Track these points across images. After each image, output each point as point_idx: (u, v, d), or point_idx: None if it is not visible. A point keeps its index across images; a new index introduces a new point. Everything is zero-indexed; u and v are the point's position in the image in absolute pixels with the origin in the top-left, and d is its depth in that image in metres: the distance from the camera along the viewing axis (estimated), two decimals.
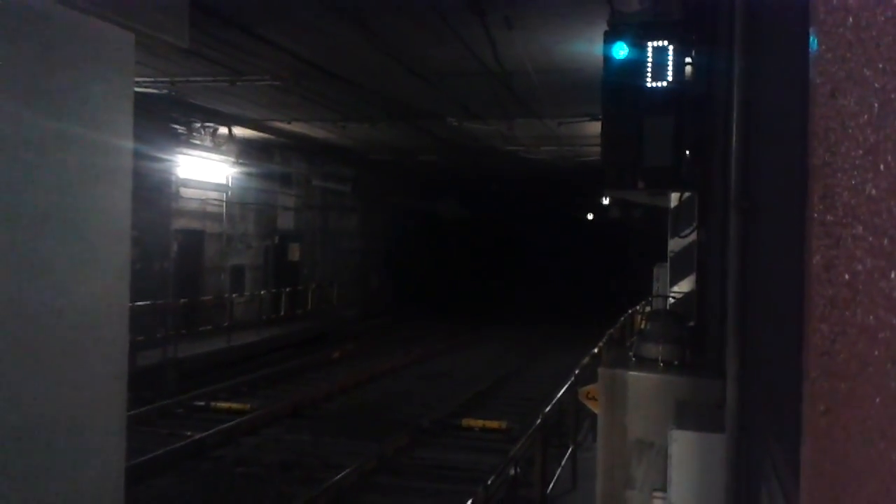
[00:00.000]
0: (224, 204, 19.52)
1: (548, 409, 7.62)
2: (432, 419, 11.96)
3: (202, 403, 12.95)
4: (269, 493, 8.73)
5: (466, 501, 5.35)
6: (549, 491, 7.55)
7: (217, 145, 18.24)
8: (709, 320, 6.03)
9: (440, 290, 34.50)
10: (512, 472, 6.74)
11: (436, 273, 34.86)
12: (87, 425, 6.07)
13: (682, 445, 3.84)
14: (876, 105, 0.88)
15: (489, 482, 5.36)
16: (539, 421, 6.86)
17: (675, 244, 8.54)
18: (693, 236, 7.66)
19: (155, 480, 8.97)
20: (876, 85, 0.89)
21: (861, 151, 0.94)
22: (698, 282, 7.58)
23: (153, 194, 15.78)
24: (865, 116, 0.93)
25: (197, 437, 10.46)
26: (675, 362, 4.95)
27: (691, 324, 6.95)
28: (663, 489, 4.10)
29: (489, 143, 20.49)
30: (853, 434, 0.84)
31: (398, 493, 8.93)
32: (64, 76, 5.76)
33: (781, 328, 2.19)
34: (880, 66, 0.88)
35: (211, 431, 10.73)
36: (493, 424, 11.73)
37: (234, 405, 12.81)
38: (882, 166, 0.84)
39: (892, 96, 0.83)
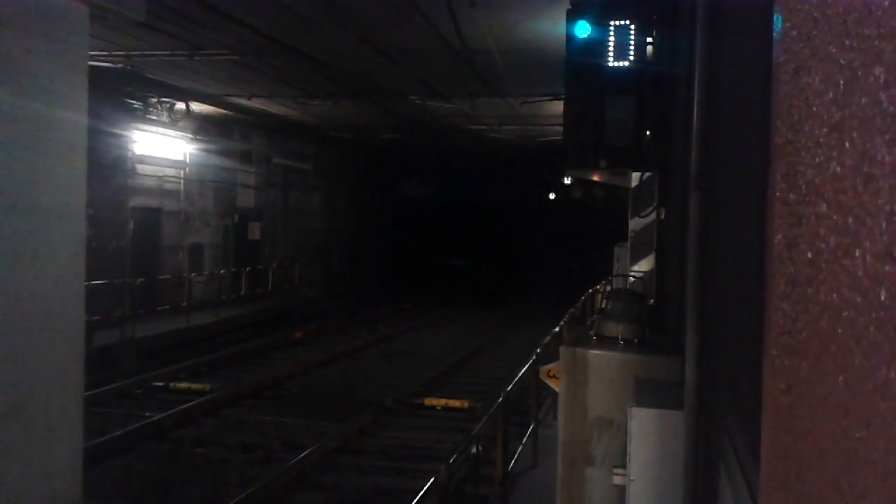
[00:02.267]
0: (182, 181, 19.21)
1: (509, 387, 7.67)
2: (395, 399, 11.97)
3: (161, 384, 12.79)
4: (229, 474, 8.67)
5: (429, 479, 5.37)
6: (510, 468, 7.62)
7: (174, 121, 17.91)
8: (668, 299, 6.10)
9: (404, 269, 34.45)
10: (474, 450, 6.78)
11: (399, 252, 34.80)
12: (43, 406, 5.97)
13: (642, 422, 3.88)
14: (841, 82, 0.88)
15: (451, 460, 5.38)
16: (501, 400, 6.90)
17: (635, 224, 8.61)
18: (653, 216, 7.73)
19: (114, 461, 8.86)
20: (842, 62, 0.88)
21: (825, 129, 0.93)
22: (658, 261, 7.66)
23: (108, 171, 15.45)
24: (830, 94, 0.92)
25: (156, 417, 10.35)
26: (635, 340, 5.00)
27: (651, 302, 7.03)
28: (623, 465, 4.15)
29: (452, 122, 20.43)
30: (815, 412, 0.84)
31: (361, 472, 8.94)
32: (15, 49, 5.59)
33: (741, 307, 2.21)
34: (847, 42, 0.87)
35: (170, 412, 10.62)
36: (456, 403, 11.79)
37: (194, 386, 12.68)
38: (847, 144, 0.84)
39: (859, 73, 0.83)
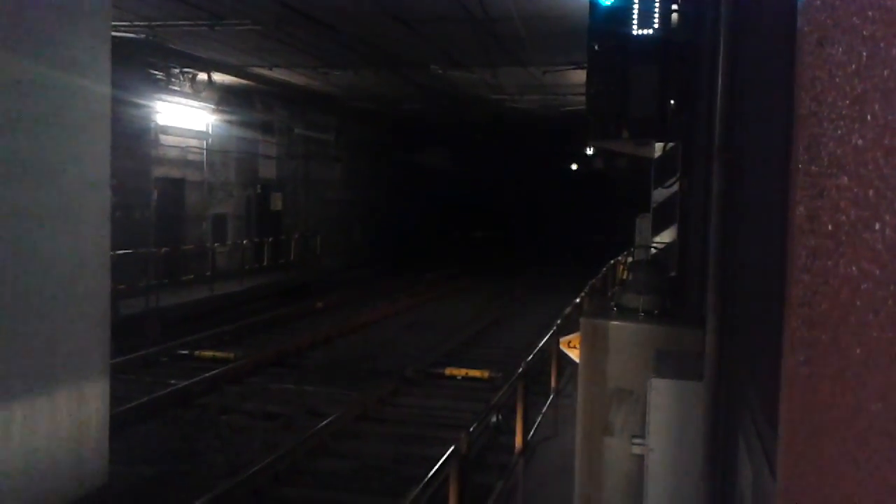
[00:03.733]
0: (204, 152, 19.30)
1: (529, 357, 7.70)
2: (416, 369, 12.06)
3: (186, 352, 12.98)
4: (253, 440, 8.82)
5: (449, 448, 5.42)
6: (530, 437, 7.68)
7: (196, 92, 17.95)
8: (689, 270, 6.08)
9: (425, 240, 34.48)
10: (494, 419, 6.84)
11: (421, 223, 34.81)
12: (71, 373, 6.09)
13: (661, 393, 3.90)
14: (864, 54, 0.87)
15: (471, 429, 5.42)
16: (521, 370, 6.94)
17: (658, 194, 8.56)
18: (676, 187, 7.67)
19: (139, 427, 9.03)
20: (864, 33, 0.87)
21: (848, 101, 0.93)
22: (680, 232, 7.62)
23: (132, 141, 15.56)
24: (853, 66, 0.91)
25: (181, 385, 10.51)
26: (656, 312, 4.99)
27: (672, 274, 7.00)
28: (642, 436, 4.17)
29: (474, 92, 20.30)
30: (833, 384, 0.85)
31: (382, 440, 9.04)
32: (39, 20, 5.63)
33: (762, 278, 2.20)
34: (869, 13, 0.86)
35: (195, 379, 10.78)
36: (476, 373, 11.85)
37: (218, 354, 12.85)
38: (869, 116, 0.83)
39: (881, 45, 0.82)
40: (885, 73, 0.77)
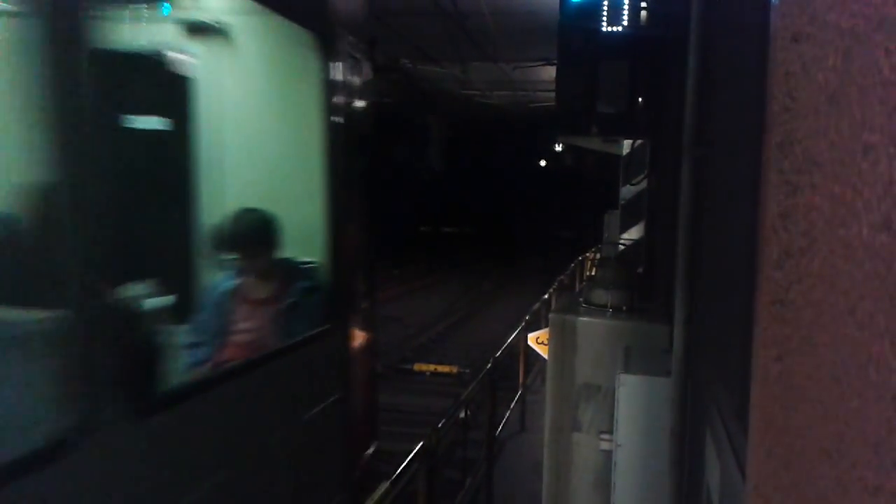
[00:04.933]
0: None
1: (498, 353, 7.71)
2: (385, 364, 12.01)
3: None
4: None
5: (418, 444, 5.40)
6: (498, 433, 7.69)
7: None
8: (657, 267, 6.12)
9: (393, 236, 34.38)
10: (462, 414, 6.82)
11: (389, 219, 34.65)
12: None
13: (629, 389, 3.92)
14: (840, 49, 0.86)
15: (440, 425, 5.41)
16: (489, 366, 6.94)
17: (626, 191, 8.61)
18: (644, 184, 7.72)
19: None
20: (842, 28, 0.87)
21: (823, 97, 0.92)
22: (648, 229, 7.68)
23: None
24: (829, 61, 0.91)
25: None
26: (624, 308, 5.02)
27: (640, 270, 7.05)
28: (610, 431, 4.19)
29: (444, 87, 20.26)
30: (806, 381, 0.84)
31: None
32: None
33: (731, 275, 2.21)
34: (847, 7, 0.86)
35: None
36: (445, 369, 11.85)
37: None
38: (845, 112, 0.83)
39: (858, 40, 0.81)
40: (862, 68, 0.76)
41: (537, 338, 7.46)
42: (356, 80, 4.34)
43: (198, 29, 3.72)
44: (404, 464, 4.31)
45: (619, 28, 5.54)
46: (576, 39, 5.80)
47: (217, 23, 3.88)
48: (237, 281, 3.76)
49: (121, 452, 2.13)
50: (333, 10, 3.86)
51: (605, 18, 5.54)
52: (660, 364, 3.92)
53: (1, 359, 2.04)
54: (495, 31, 13.16)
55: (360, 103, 4.48)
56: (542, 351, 6.67)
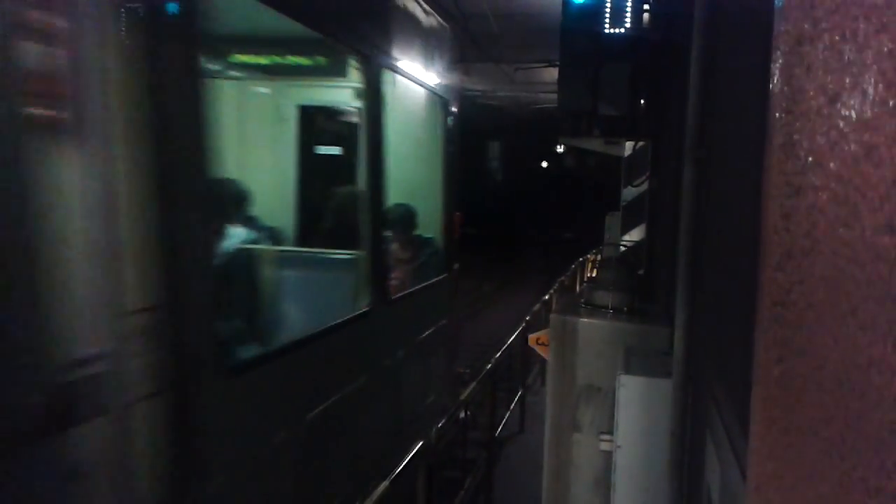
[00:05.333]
0: None
1: (498, 354, 7.71)
2: None
3: None
4: None
5: (417, 443, 5.40)
6: (497, 433, 7.69)
7: None
8: (658, 268, 6.12)
9: None
10: (462, 415, 6.82)
11: None
12: None
13: (630, 390, 3.92)
14: (844, 52, 0.87)
15: (439, 424, 5.41)
16: (489, 366, 6.94)
17: (627, 193, 8.61)
18: (646, 185, 7.72)
19: None
20: (846, 32, 0.87)
21: (825, 99, 0.92)
22: (649, 230, 7.67)
23: None
24: (832, 64, 0.91)
25: None
26: (625, 309, 5.02)
27: (641, 272, 7.05)
28: (610, 432, 4.19)
29: None
30: (808, 383, 0.84)
31: None
32: None
33: (733, 276, 2.21)
34: (851, 11, 0.86)
35: None
36: None
37: None
38: (847, 115, 0.83)
39: (861, 43, 0.81)
40: (866, 70, 0.77)
41: (538, 338, 7.45)
42: (453, 123, 7.19)
43: (364, 93, 5.01)
44: (404, 463, 4.30)
45: (622, 30, 5.55)
46: (578, 41, 5.81)
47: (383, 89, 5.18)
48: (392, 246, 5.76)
49: (385, 317, 5.00)
50: (449, 84, 6.86)
51: (607, 20, 5.55)
52: (660, 365, 3.92)
53: (339, 274, 4.85)
54: (498, 32, 13.16)
55: (453, 136, 7.19)
56: (543, 352, 6.67)
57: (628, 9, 5.54)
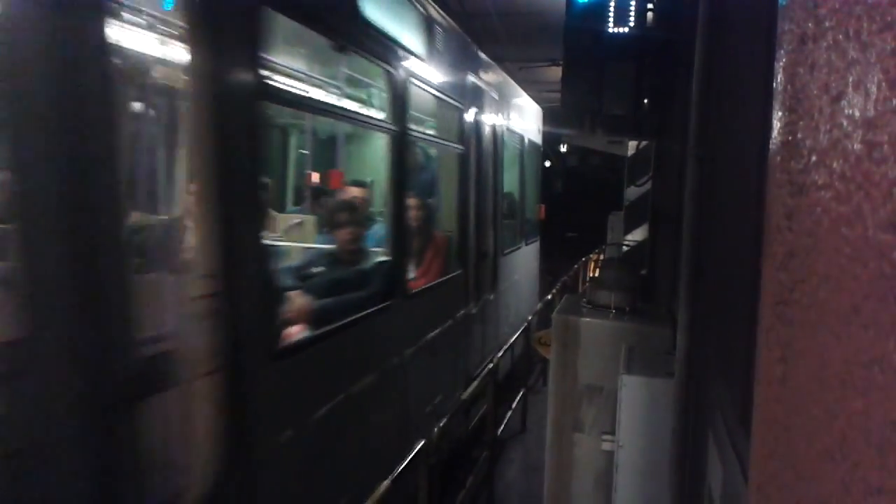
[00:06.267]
0: None
1: (500, 353, 7.71)
2: None
3: None
4: None
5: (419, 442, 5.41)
6: (499, 433, 7.69)
7: None
8: (661, 268, 6.11)
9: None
10: (464, 414, 6.82)
11: None
12: None
13: (632, 390, 3.92)
14: (848, 51, 0.86)
15: (441, 423, 5.41)
16: (491, 365, 6.94)
17: (630, 192, 8.61)
18: (648, 185, 7.72)
19: None
20: (849, 31, 0.86)
21: (828, 98, 0.92)
22: (652, 230, 7.67)
23: None
24: (836, 63, 0.90)
25: None
26: (627, 309, 5.02)
27: (643, 272, 7.05)
28: (612, 432, 4.19)
29: None
30: (810, 382, 0.84)
31: None
32: None
33: (735, 276, 2.21)
34: (854, 9, 0.86)
35: None
36: None
37: None
38: (850, 113, 0.83)
39: (864, 41, 0.81)
40: (869, 69, 0.76)
41: (540, 338, 7.45)
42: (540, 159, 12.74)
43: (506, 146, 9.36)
44: (405, 462, 4.30)
45: (626, 29, 5.54)
46: (582, 40, 5.80)
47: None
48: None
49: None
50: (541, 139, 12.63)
51: (611, 19, 5.54)
52: (662, 365, 3.92)
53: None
54: (502, 31, 13.15)
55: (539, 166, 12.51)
56: (545, 352, 6.67)
57: (632, 8, 5.53)
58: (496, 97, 8.54)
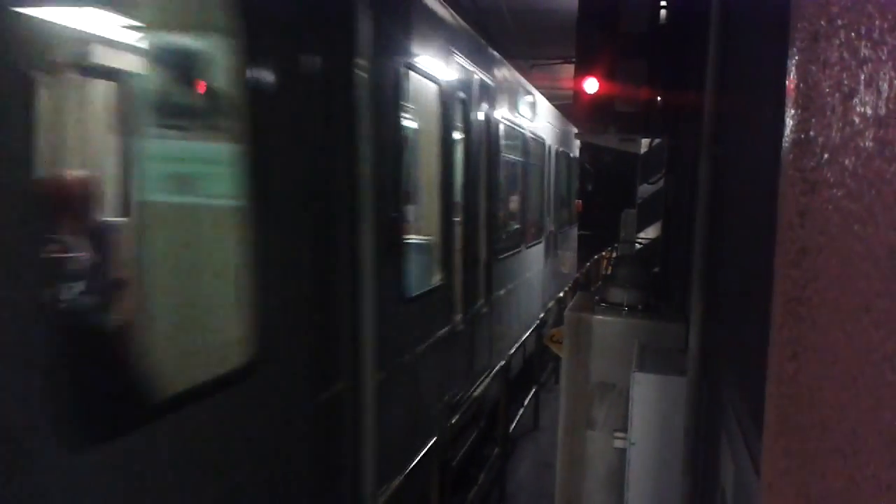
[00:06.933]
0: None
1: (512, 350, 7.71)
2: None
3: None
4: None
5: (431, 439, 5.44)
6: (511, 430, 7.69)
7: None
8: (673, 266, 6.10)
9: None
10: (475, 411, 6.83)
11: None
12: None
13: (644, 387, 3.91)
14: (860, 48, 0.86)
15: (453, 420, 5.43)
16: (503, 363, 6.95)
17: (643, 190, 8.58)
18: (661, 182, 7.69)
19: None
20: (861, 29, 0.87)
21: (840, 96, 0.92)
22: (664, 228, 7.64)
23: None
24: (847, 60, 0.91)
25: None
26: (640, 307, 5.01)
27: (656, 269, 7.03)
28: (624, 430, 4.19)
29: None
30: (822, 380, 0.84)
31: None
32: None
33: (747, 274, 2.21)
34: (866, 8, 0.86)
35: None
36: None
37: None
38: (862, 111, 0.83)
39: (876, 39, 0.81)
40: (881, 67, 0.77)
41: (553, 336, 7.45)
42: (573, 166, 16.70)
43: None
44: (417, 458, 4.32)
45: (638, 26, 5.52)
46: (594, 38, 5.79)
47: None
48: None
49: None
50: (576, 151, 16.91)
51: (623, 17, 5.53)
52: (675, 363, 3.91)
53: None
54: (513, 28, 13.13)
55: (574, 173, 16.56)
56: (557, 349, 6.66)
57: (645, 5, 5.51)
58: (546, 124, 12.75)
